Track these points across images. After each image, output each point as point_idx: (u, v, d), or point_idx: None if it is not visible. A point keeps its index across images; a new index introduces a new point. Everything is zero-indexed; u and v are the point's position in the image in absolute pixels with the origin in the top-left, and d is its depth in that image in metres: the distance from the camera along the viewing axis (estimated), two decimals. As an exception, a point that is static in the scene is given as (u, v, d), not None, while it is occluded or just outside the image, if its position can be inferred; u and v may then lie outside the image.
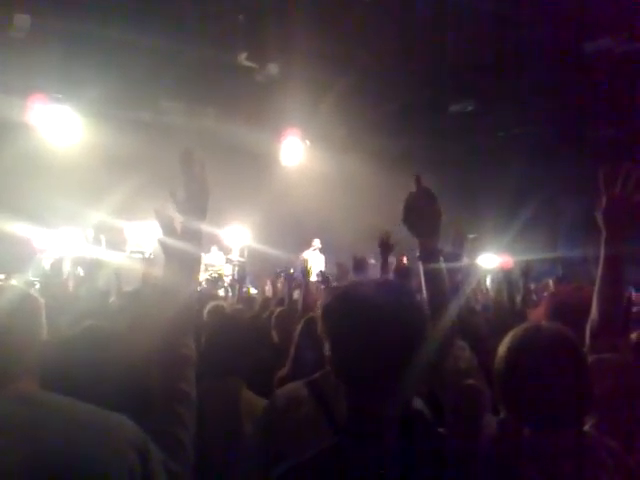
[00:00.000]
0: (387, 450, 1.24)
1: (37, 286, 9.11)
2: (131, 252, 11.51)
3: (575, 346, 1.59)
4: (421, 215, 1.92)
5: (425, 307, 1.41)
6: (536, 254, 11.48)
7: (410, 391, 1.33)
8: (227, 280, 12.34)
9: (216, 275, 11.79)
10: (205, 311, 3.91)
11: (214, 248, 12.53)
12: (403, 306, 1.31)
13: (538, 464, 1.53)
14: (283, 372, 2.96)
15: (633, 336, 3.11)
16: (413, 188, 1.98)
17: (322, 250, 12.68)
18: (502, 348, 1.65)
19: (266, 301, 5.86)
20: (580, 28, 9.99)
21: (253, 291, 10.74)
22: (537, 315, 2.20)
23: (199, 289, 8.61)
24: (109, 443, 1.35)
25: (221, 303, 4.31)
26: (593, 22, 9.80)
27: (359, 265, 4.34)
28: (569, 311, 2.01)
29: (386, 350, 1.26)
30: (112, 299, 4.59)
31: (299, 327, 3.00)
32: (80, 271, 10.63)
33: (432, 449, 1.27)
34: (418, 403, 2.18)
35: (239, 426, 2.36)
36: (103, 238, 11.42)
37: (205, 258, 12.09)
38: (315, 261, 12.45)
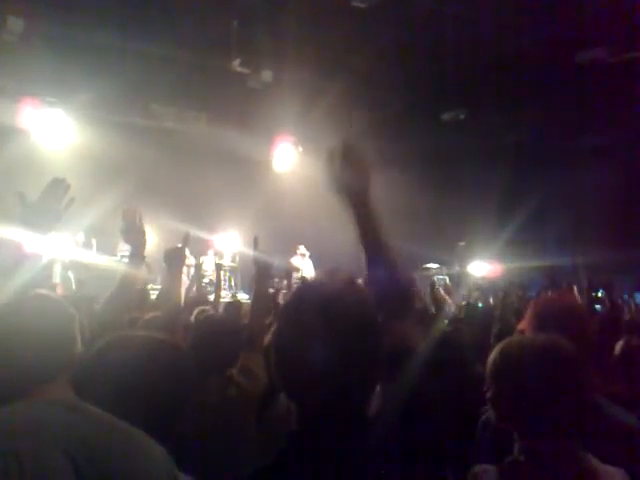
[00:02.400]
0: (335, 463, 1.20)
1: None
2: (122, 256, 11.46)
3: (572, 357, 1.59)
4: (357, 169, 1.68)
5: (374, 320, 1.30)
6: (525, 262, 11.54)
7: (358, 404, 1.26)
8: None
9: (208, 281, 11.77)
10: (192, 316, 3.91)
11: (211, 252, 12.51)
12: (353, 313, 1.26)
13: (534, 472, 1.54)
14: None
15: (617, 346, 3.13)
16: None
17: (309, 255, 12.67)
18: (498, 356, 1.66)
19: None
20: (574, 38, 10.06)
21: (244, 296, 10.75)
22: (523, 323, 2.20)
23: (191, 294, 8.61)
24: (148, 465, 1.33)
25: (207, 308, 4.30)
26: (587, 32, 9.88)
27: None
28: (552, 318, 2.02)
29: (330, 365, 1.20)
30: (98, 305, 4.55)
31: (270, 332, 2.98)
32: (70, 275, 10.62)
33: (388, 455, 1.23)
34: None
35: (229, 419, 2.37)
36: (94, 242, 11.47)
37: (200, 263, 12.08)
38: (303, 267, 12.44)
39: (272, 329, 2.99)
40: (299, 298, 1.33)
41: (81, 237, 11.02)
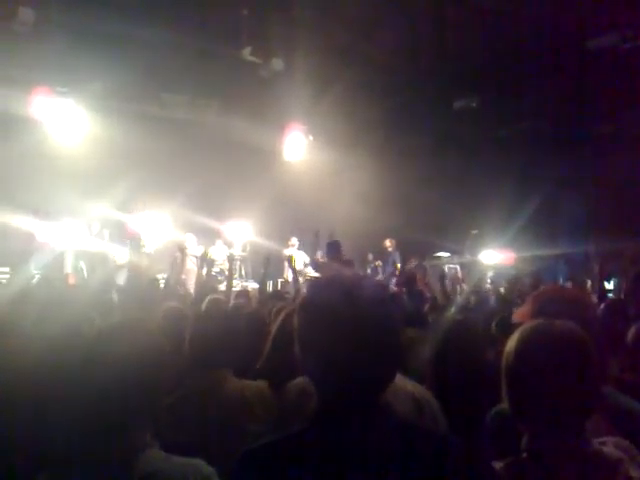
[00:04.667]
0: (350, 444, 1.26)
1: (37, 279, 9.19)
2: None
3: (586, 346, 1.56)
4: None
5: (396, 308, 1.38)
6: (538, 250, 11.47)
7: (378, 389, 1.32)
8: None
9: (218, 270, 11.79)
10: (203, 304, 3.93)
11: (219, 242, 12.52)
12: (376, 308, 1.31)
13: (537, 463, 1.53)
14: (257, 365, 2.96)
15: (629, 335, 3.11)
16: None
17: (301, 246, 12.61)
18: (511, 342, 1.64)
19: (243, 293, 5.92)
20: (584, 24, 9.97)
21: (254, 285, 10.77)
22: (521, 314, 2.17)
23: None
24: None
25: (219, 297, 4.31)
26: (598, 18, 9.78)
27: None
28: (553, 307, 1.99)
29: (353, 352, 1.27)
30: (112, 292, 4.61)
31: (277, 321, 3.00)
32: (82, 264, 10.68)
33: (401, 444, 1.27)
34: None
35: (230, 416, 2.38)
36: (106, 232, 11.53)
37: (210, 252, 12.07)
38: (297, 258, 12.38)
39: (281, 317, 3.02)
40: (319, 293, 1.38)
41: (96, 227, 11.06)
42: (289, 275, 11.75)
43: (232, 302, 4.70)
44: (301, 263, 12.10)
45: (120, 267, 10.54)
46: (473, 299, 6.48)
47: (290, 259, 11.01)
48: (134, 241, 11.24)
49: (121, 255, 10.76)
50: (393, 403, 1.44)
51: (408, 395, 2.13)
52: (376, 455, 1.26)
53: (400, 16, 9.96)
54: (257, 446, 1.35)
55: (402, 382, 2.11)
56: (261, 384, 2.58)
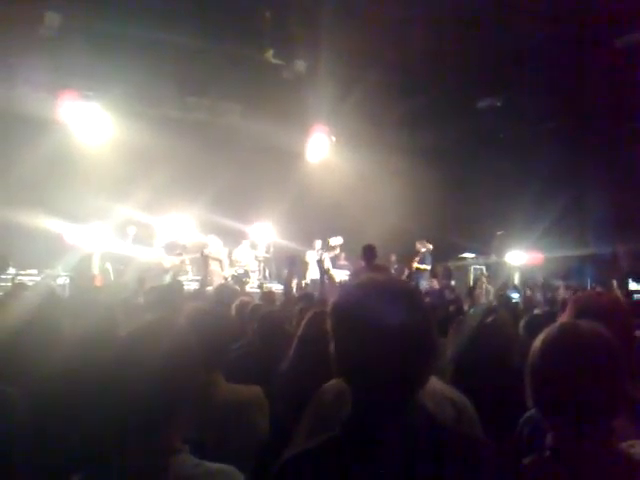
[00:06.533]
0: (386, 447, 1.25)
1: (65, 280, 9.31)
2: (159, 247, 11.62)
3: (612, 348, 1.54)
4: None
5: (430, 310, 1.37)
6: (565, 251, 11.32)
7: (412, 391, 1.31)
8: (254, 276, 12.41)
9: (242, 271, 11.84)
10: (233, 306, 3.94)
11: (245, 242, 12.54)
12: (409, 310, 1.30)
13: (559, 462, 1.50)
14: (284, 366, 2.94)
15: None
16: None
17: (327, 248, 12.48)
18: (537, 343, 1.62)
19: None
20: (612, 22, 9.83)
21: (278, 287, 10.80)
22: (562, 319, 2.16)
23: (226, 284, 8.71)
24: None
25: (247, 299, 4.32)
26: (625, 16, 9.65)
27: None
28: (593, 312, 1.97)
29: (386, 354, 1.25)
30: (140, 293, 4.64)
31: (304, 322, 2.98)
32: (109, 266, 10.80)
33: (436, 446, 1.26)
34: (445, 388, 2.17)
35: (224, 420, 2.36)
36: (132, 233, 11.64)
37: (234, 253, 12.14)
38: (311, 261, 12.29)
39: (307, 318, 3.01)
40: (351, 295, 1.37)
41: (132, 230, 11.18)
42: (308, 276, 11.76)
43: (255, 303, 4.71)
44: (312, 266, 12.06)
45: (166, 270, 10.76)
46: (496, 301, 6.43)
47: (322, 262, 11.01)
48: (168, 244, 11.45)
49: (167, 259, 10.98)
50: (434, 409, 1.41)
51: (447, 400, 2.10)
52: (410, 458, 1.24)
53: (423, 17, 9.89)
54: (292, 456, 1.34)
55: (440, 386, 2.08)
56: (255, 389, 2.55)
